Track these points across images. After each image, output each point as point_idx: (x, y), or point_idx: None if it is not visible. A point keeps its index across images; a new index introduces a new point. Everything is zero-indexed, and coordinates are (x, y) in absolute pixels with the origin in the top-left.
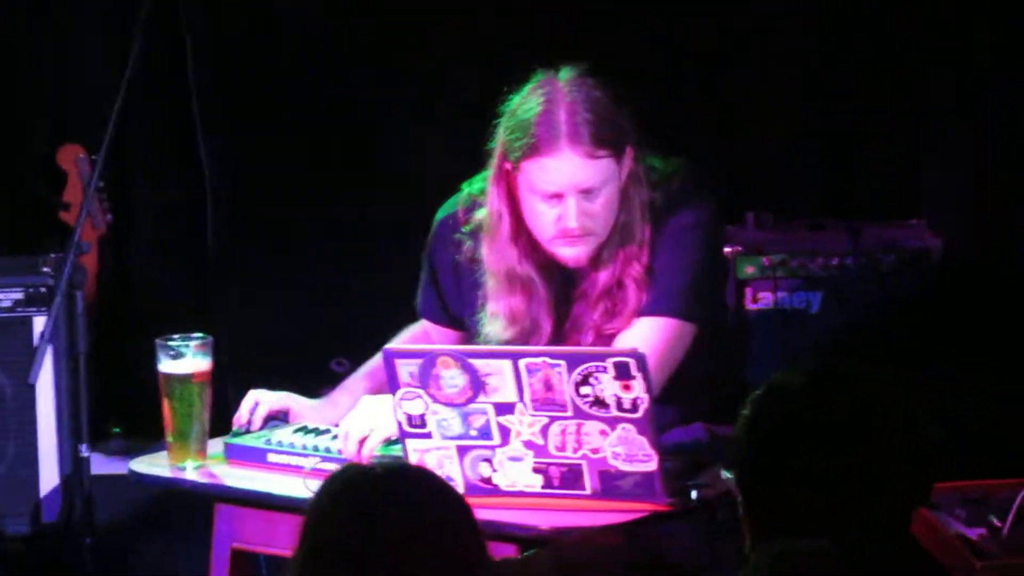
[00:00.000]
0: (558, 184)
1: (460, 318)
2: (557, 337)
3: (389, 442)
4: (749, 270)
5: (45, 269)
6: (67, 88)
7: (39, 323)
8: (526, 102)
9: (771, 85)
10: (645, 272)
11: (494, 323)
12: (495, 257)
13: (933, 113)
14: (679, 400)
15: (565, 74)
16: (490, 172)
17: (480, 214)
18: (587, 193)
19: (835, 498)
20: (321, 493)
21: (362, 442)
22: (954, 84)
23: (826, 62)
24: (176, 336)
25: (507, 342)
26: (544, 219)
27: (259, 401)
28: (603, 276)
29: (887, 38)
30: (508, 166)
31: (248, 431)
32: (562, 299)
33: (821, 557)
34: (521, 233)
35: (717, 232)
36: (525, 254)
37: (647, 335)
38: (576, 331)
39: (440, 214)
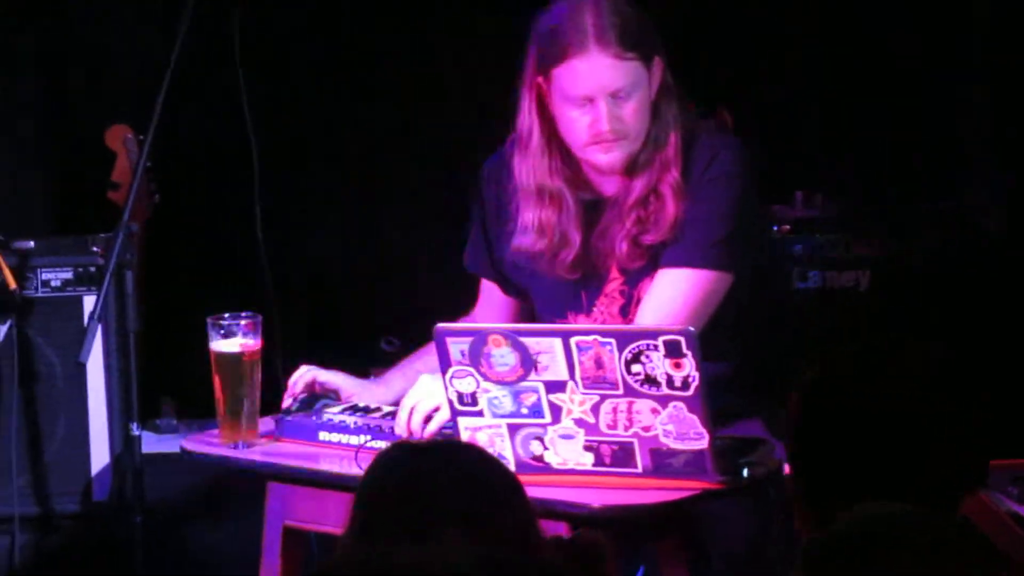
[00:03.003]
0: (588, 86)
1: (503, 268)
2: (585, 249)
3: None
4: (798, 249)
5: (94, 248)
6: (115, 67)
7: (89, 302)
8: (554, 11)
9: (821, 64)
10: (681, 180)
11: (524, 235)
12: (526, 170)
13: (977, 93)
14: (717, 350)
15: None
16: (521, 87)
17: None
18: (616, 96)
19: (887, 475)
20: (372, 470)
21: (428, 418)
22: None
23: (877, 42)
24: (227, 314)
25: (537, 253)
26: (578, 125)
27: (308, 376)
28: (638, 184)
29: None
30: (540, 79)
31: (299, 408)
32: (592, 211)
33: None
34: (553, 147)
35: (754, 179)
36: (556, 168)
37: (683, 286)
38: (603, 240)
39: (487, 162)
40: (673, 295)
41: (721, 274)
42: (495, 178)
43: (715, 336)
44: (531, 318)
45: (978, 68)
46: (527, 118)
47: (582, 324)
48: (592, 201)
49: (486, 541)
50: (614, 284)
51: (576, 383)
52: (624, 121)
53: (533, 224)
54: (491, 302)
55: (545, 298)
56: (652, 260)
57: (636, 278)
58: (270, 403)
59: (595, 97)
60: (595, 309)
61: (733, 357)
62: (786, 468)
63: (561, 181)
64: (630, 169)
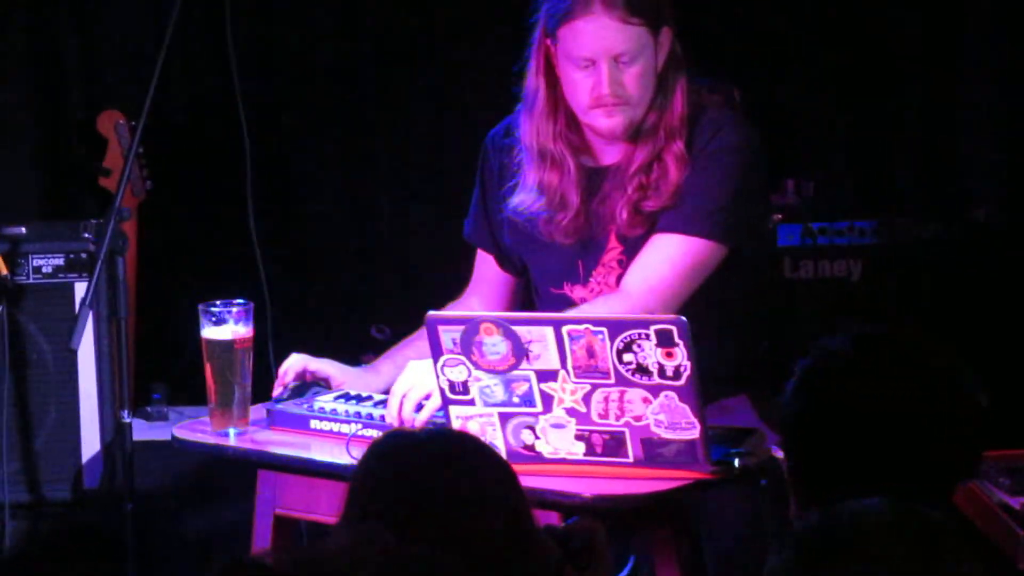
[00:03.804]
0: (591, 47)
1: (500, 237)
2: (585, 215)
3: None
4: (789, 238)
5: (86, 235)
6: (107, 52)
7: (80, 289)
8: None
9: (815, 53)
10: (686, 150)
11: (524, 194)
12: (530, 131)
13: (970, 85)
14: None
15: None
16: (530, 50)
17: None
18: (620, 61)
19: (882, 463)
20: (367, 458)
21: (419, 406)
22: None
23: (869, 32)
24: (218, 302)
25: (535, 213)
26: (580, 88)
27: (298, 365)
28: (641, 151)
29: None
30: (548, 41)
31: (290, 396)
32: (593, 178)
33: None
34: (558, 111)
35: (760, 161)
36: (559, 132)
37: (673, 251)
38: (604, 206)
39: (492, 131)
40: (663, 259)
41: (714, 244)
42: (500, 146)
43: (704, 310)
44: (525, 296)
45: (978, 64)
46: (534, 80)
47: (576, 302)
48: (594, 169)
49: (480, 530)
50: (612, 253)
51: (568, 372)
52: (625, 86)
53: (534, 184)
54: (485, 278)
55: (542, 268)
56: (652, 229)
57: (635, 247)
58: (261, 391)
59: (597, 59)
60: (592, 279)
61: (722, 335)
62: (776, 451)
63: (564, 145)
64: (633, 136)
